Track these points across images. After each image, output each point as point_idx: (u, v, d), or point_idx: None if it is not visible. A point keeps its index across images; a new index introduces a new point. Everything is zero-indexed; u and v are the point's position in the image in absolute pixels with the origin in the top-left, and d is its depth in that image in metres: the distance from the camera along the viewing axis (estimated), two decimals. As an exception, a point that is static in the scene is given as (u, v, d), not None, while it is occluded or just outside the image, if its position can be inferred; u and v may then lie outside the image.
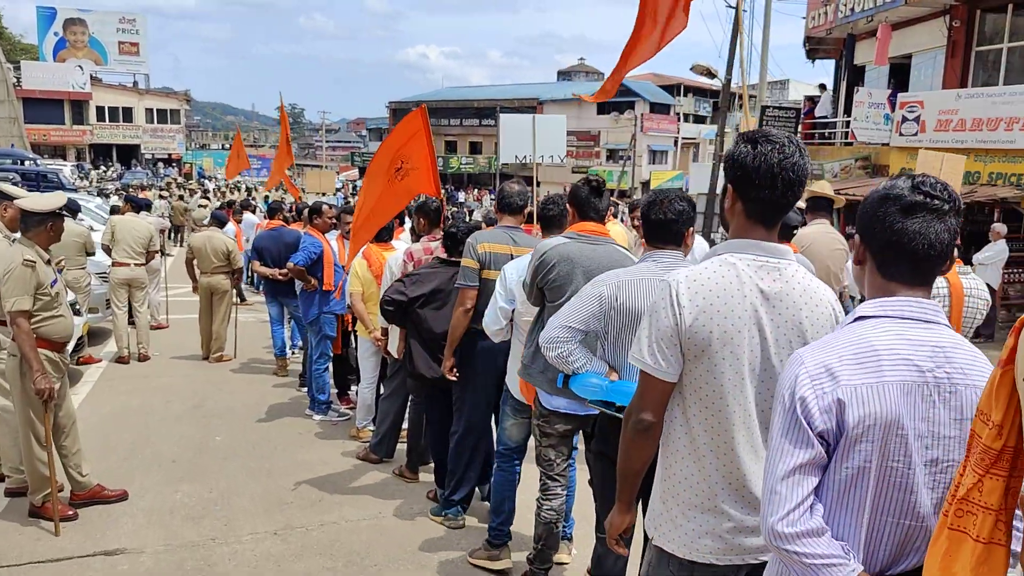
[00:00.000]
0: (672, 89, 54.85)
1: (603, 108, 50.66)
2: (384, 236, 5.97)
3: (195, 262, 8.94)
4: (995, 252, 11.11)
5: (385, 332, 5.51)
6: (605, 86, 5.62)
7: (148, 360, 8.78)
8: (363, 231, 5.57)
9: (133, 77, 58.56)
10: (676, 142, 52.96)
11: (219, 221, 9.26)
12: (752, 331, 1.99)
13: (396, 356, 5.24)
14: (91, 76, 53.64)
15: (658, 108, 53.62)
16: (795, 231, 5.03)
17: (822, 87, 20.17)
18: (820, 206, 5.65)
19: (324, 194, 16.69)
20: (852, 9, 16.34)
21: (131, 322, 8.88)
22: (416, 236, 5.54)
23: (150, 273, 9.56)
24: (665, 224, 2.84)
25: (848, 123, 17.81)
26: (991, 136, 12.50)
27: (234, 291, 9.20)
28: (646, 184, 47.43)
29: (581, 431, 3.67)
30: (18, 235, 4.47)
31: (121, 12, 59.93)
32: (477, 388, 4.40)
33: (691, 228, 2.86)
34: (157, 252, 9.56)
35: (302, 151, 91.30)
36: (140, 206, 9.51)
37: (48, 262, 4.39)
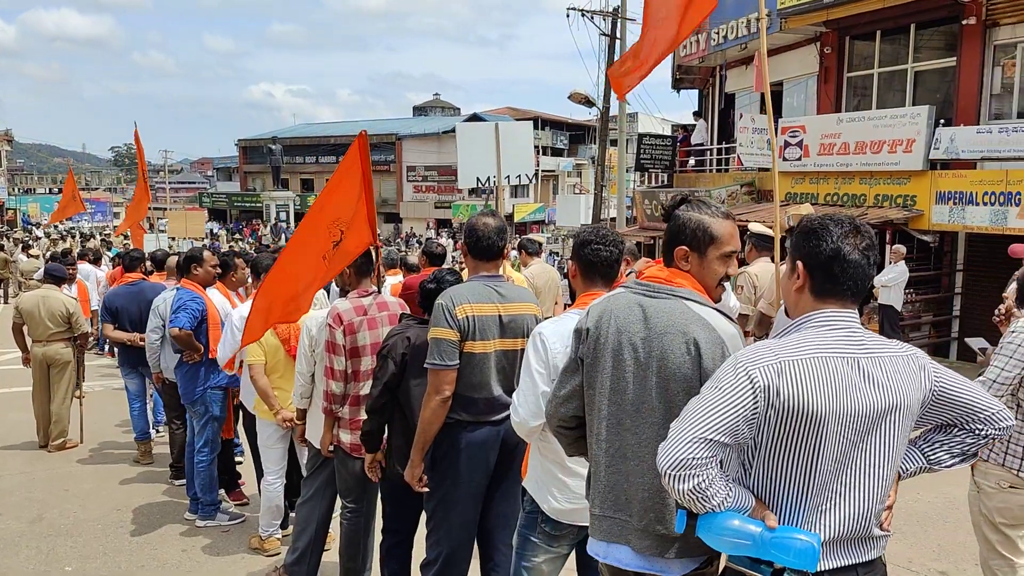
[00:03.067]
0: (530, 122, 55.33)
1: (460, 124, 50.62)
2: None
3: (25, 328, 7.20)
4: (896, 274, 11.06)
5: (302, 415, 4.24)
6: (624, 82, 4.81)
7: (-35, 455, 6.93)
8: (279, 313, 4.25)
9: (-59, 116, 52.52)
10: (536, 175, 53.36)
11: (56, 277, 7.52)
12: None
13: (322, 451, 3.99)
14: None
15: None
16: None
17: (696, 115, 20.36)
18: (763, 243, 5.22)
19: (193, 240, 14.77)
20: (725, 37, 16.43)
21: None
22: (342, 291, 4.24)
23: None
24: (607, 263, 2.68)
25: (725, 150, 17.94)
26: (875, 159, 12.62)
27: (76, 363, 7.44)
28: (509, 217, 47.38)
29: None
30: None
31: (-76, 45, 53.89)
32: (460, 500, 3.22)
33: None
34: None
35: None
36: None
37: None
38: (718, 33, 16.73)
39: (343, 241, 4.04)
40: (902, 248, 11.32)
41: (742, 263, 5.97)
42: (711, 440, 1.82)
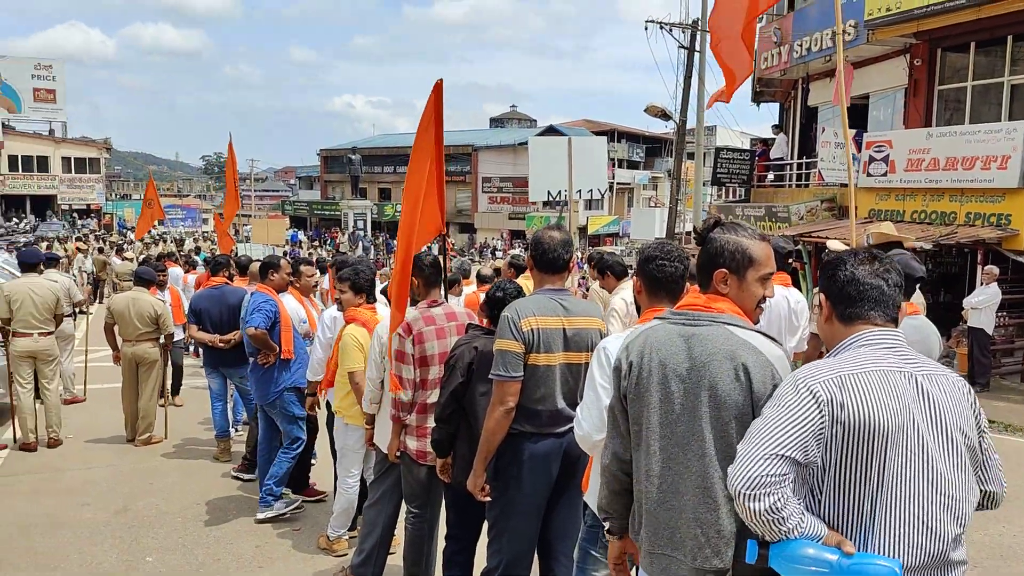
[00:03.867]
0: (605, 135, 55.13)
1: (532, 137, 50.80)
2: (368, 292, 4.84)
3: (116, 328, 7.58)
4: (988, 295, 10.58)
5: (371, 420, 4.35)
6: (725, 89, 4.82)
7: (60, 445, 7.32)
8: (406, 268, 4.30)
9: (49, 125, 55.70)
10: (611, 187, 53.08)
11: (145, 280, 7.89)
12: None
13: (389, 456, 4.08)
14: (3, 124, 50.74)
15: (594, 154, 53.92)
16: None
17: (776, 128, 19.93)
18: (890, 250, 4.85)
19: (275, 246, 15.29)
20: (808, 49, 16.07)
21: (39, 399, 7.43)
22: (412, 300, 4.33)
23: (61, 340, 8.10)
24: (672, 279, 2.65)
25: (805, 164, 17.51)
26: (967, 175, 12.12)
27: (163, 362, 7.79)
28: (583, 230, 47.24)
29: None
30: None
31: (37, 58, 57.28)
32: (522, 511, 3.25)
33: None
34: (67, 315, 8.13)
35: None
36: (37, 263, 7.78)
37: None
38: (801, 45, 16.38)
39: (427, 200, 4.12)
40: (995, 269, 10.82)
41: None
42: (783, 456, 1.80)
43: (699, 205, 23.25)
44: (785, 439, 1.82)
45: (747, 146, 22.86)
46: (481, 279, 8.71)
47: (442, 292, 4.20)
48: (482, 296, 3.84)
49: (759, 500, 1.79)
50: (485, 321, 3.69)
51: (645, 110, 19.73)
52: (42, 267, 8.01)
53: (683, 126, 21.26)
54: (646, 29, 20.83)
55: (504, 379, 3.09)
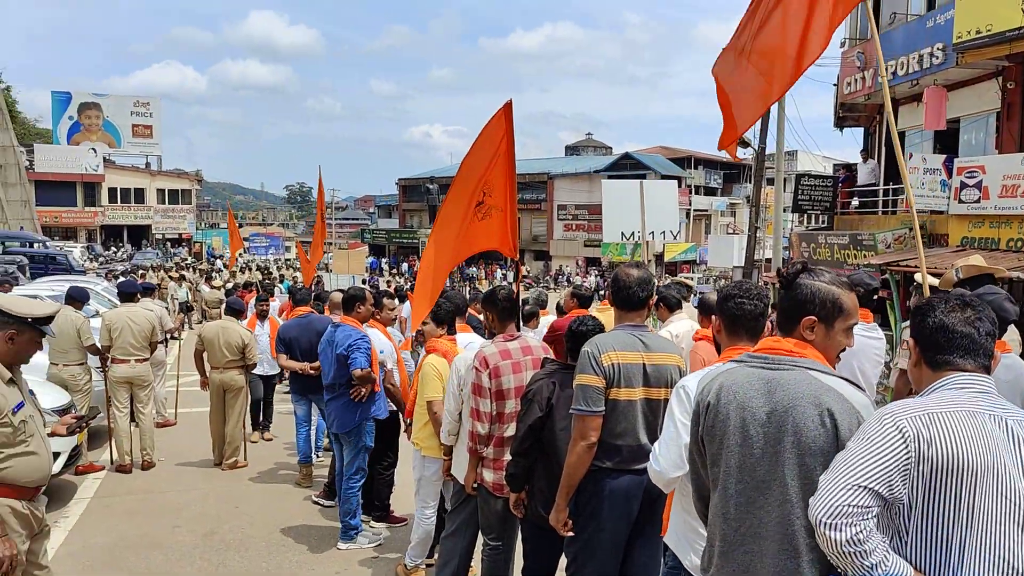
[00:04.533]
0: (682, 161, 54.75)
1: (605, 180, 50.76)
2: (449, 323, 4.93)
3: (205, 355, 7.90)
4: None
5: (449, 451, 4.40)
6: (729, 134, 4.70)
7: (152, 467, 7.65)
8: (430, 282, 4.44)
9: (145, 159, 58.80)
10: (688, 214, 52.51)
11: (234, 310, 8.22)
12: None
13: (466, 488, 4.12)
14: (104, 158, 53.82)
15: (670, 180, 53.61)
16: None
17: (864, 154, 19.37)
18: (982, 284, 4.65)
19: (355, 276, 15.70)
20: (894, 73, 15.66)
21: (134, 423, 7.80)
22: (489, 332, 4.40)
23: (154, 366, 8.49)
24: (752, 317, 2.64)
25: (892, 191, 16.97)
26: (1068, 202, 11.55)
27: (248, 390, 8.08)
28: (659, 257, 46.81)
29: None
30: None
31: (136, 96, 60.70)
32: (600, 548, 3.24)
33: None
34: (160, 343, 8.52)
35: (310, 229, 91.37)
36: (135, 293, 8.28)
37: (11, 381, 3.33)
38: (887, 69, 15.98)
39: (488, 217, 4.20)
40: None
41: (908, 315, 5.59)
42: (867, 488, 1.78)
43: (779, 232, 22.76)
44: (869, 471, 1.80)
45: (829, 171, 22.31)
46: (560, 310, 8.73)
47: (518, 325, 4.25)
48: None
49: (840, 530, 1.77)
50: (562, 355, 3.72)
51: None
52: (139, 296, 8.44)
53: (762, 152, 20.92)
54: (723, 56, 20.59)
55: (585, 414, 3.10)
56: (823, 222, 19.53)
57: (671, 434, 2.68)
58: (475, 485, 4.09)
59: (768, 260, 24.14)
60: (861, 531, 1.76)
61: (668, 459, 2.66)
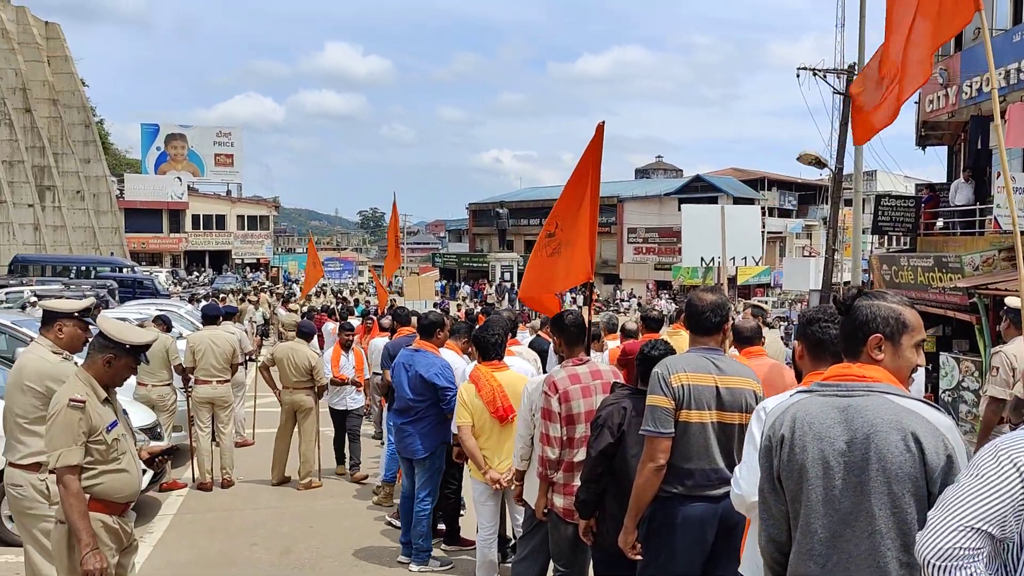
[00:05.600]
0: (755, 183, 53.82)
1: (685, 203, 50.14)
2: (491, 352, 4.96)
3: (276, 373, 8.13)
4: None
5: (521, 476, 4.40)
6: (874, 120, 4.62)
7: (232, 486, 7.87)
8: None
9: (227, 186, 61.12)
10: (761, 237, 51.40)
11: (305, 333, 8.42)
12: None
13: (536, 513, 4.11)
14: (188, 186, 56.19)
15: (741, 203, 52.59)
16: None
17: (967, 174, 18.67)
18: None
19: (427, 301, 15.89)
20: (979, 90, 15.11)
21: (215, 442, 8.05)
22: (558, 357, 4.41)
23: (233, 387, 8.76)
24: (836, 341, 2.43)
25: (979, 211, 16.31)
26: None
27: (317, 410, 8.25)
28: (732, 280, 45.95)
29: None
30: (77, 359, 3.63)
31: (218, 126, 63.35)
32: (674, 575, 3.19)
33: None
34: (240, 364, 8.80)
35: (382, 253, 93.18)
36: (217, 316, 8.68)
37: (106, 401, 3.49)
38: (970, 86, 15.44)
39: (558, 254, 4.29)
40: None
41: (998, 340, 5.36)
42: (978, 529, 1.70)
43: (858, 254, 22.10)
44: (982, 511, 1.71)
45: (910, 191, 21.61)
46: (627, 333, 8.65)
47: (587, 350, 4.24)
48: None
49: (949, 573, 1.70)
50: (633, 379, 3.69)
51: (798, 158, 19.12)
52: (221, 319, 8.76)
53: (839, 172, 20.40)
54: (798, 76, 20.27)
55: (654, 435, 3.07)
56: (905, 244, 18.87)
57: (753, 457, 2.61)
58: (545, 511, 4.07)
59: (847, 283, 23.43)
60: (971, 575, 1.70)
61: (749, 482, 2.60)
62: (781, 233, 54.89)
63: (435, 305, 16.38)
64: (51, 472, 3.35)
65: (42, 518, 3.89)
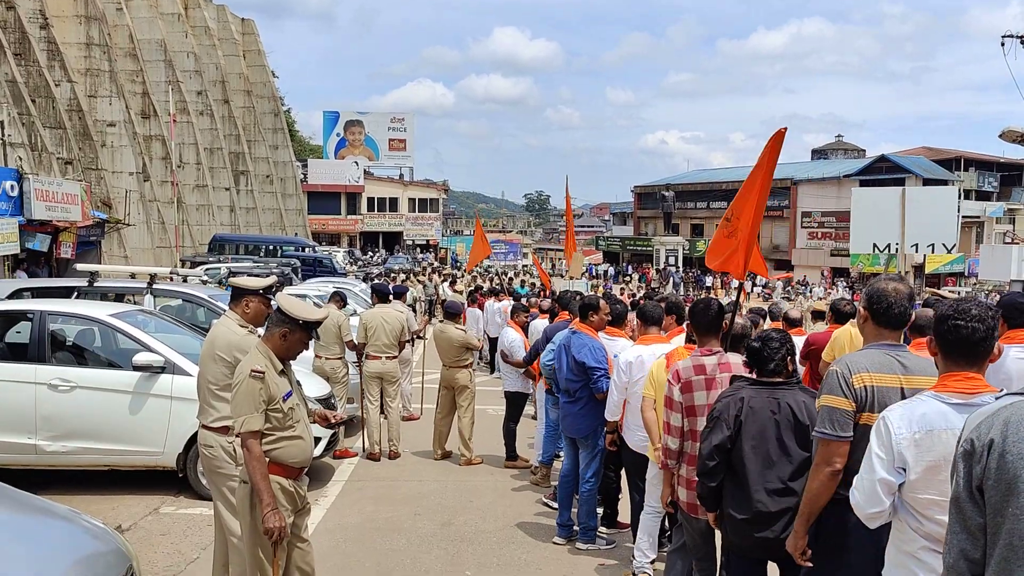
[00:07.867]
0: (949, 163, 49.41)
1: (866, 186, 46.84)
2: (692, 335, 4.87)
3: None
4: None
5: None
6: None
7: (398, 458, 8.24)
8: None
9: (399, 170, 63.92)
10: (956, 221, 47.18)
11: (451, 314, 8.60)
12: None
13: (661, 505, 4.08)
14: (364, 171, 59.26)
15: (933, 184, 48.46)
16: None
17: None
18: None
19: (572, 278, 16.05)
20: None
21: (383, 415, 8.45)
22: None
23: (401, 363, 9.15)
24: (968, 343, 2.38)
25: None
26: None
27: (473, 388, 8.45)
28: (918, 268, 42.47)
29: None
30: (260, 332, 3.93)
31: (392, 112, 66.31)
32: (844, 584, 2.97)
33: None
34: (408, 342, 9.17)
35: (547, 236, 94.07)
36: (388, 294, 9.13)
37: (282, 372, 3.74)
38: None
39: (732, 237, 4.42)
40: None
41: None
42: None
43: (1071, 242, 19.76)
44: None
45: None
46: (790, 322, 8.22)
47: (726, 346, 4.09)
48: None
49: None
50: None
51: (1000, 135, 17.37)
52: (391, 298, 9.16)
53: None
54: (1003, 45, 18.33)
55: (831, 438, 2.85)
56: None
57: (866, 468, 2.50)
58: (671, 502, 4.08)
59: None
60: None
61: (862, 493, 2.49)
62: (979, 217, 50.13)
63: (595, 288, 16.41)
64: (236, 436, 3.64)
65: (229, 477, 4.24)
